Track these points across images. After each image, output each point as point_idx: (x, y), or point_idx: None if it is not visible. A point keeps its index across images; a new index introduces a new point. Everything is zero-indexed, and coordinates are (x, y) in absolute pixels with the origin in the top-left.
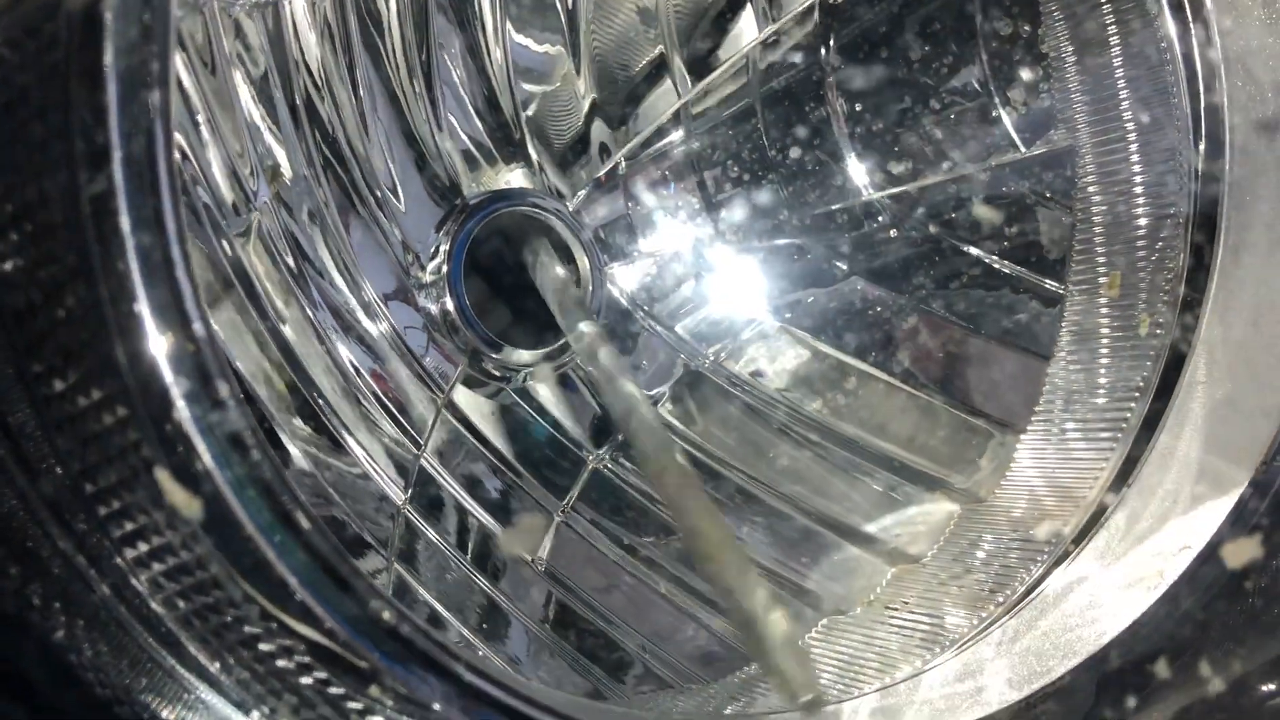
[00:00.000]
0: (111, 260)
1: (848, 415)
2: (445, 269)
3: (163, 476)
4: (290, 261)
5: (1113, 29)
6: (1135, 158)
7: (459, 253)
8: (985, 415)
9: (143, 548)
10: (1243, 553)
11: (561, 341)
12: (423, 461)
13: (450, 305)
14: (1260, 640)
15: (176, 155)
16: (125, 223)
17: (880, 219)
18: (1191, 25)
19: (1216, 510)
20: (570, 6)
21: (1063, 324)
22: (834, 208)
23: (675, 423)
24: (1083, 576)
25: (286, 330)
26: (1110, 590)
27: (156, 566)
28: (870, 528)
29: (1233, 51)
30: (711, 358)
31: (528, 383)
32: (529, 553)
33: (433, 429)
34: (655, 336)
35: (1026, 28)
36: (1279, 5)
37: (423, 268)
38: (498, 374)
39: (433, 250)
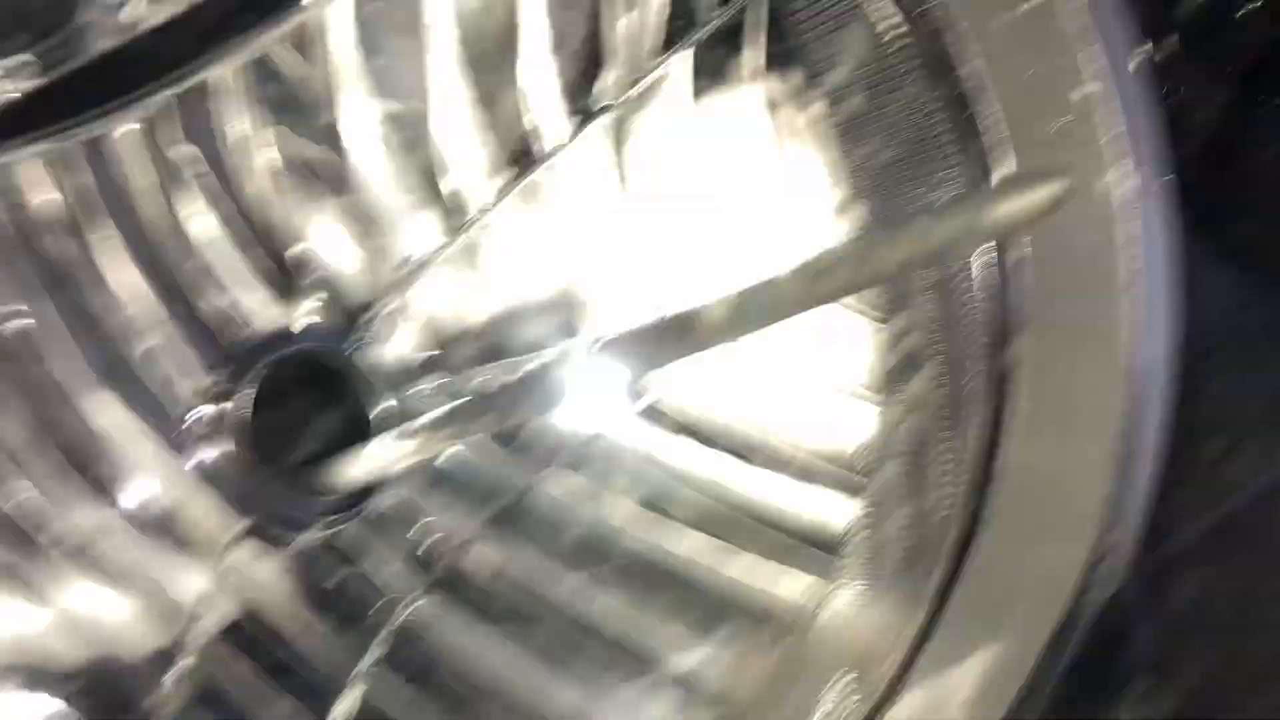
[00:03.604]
0: None
1: (676, 542)
2: (223, 418)
3: None
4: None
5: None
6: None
7: (237, 400)
8: (808, 543)
9: None
10: None
11: (360, 486)
12: (198, 641)
13: (228, 456)
14: None
15: None
16: None
17: None
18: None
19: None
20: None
21: (877, 445)
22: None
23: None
24: None
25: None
26: None
27: None
28: (691, 665)
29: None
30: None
31: (325, 531)
32: None
33: (209, 602)
34: (465, 463)
35: None
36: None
37: (198, 420)
38: (285, 529)
39: (208, 400)
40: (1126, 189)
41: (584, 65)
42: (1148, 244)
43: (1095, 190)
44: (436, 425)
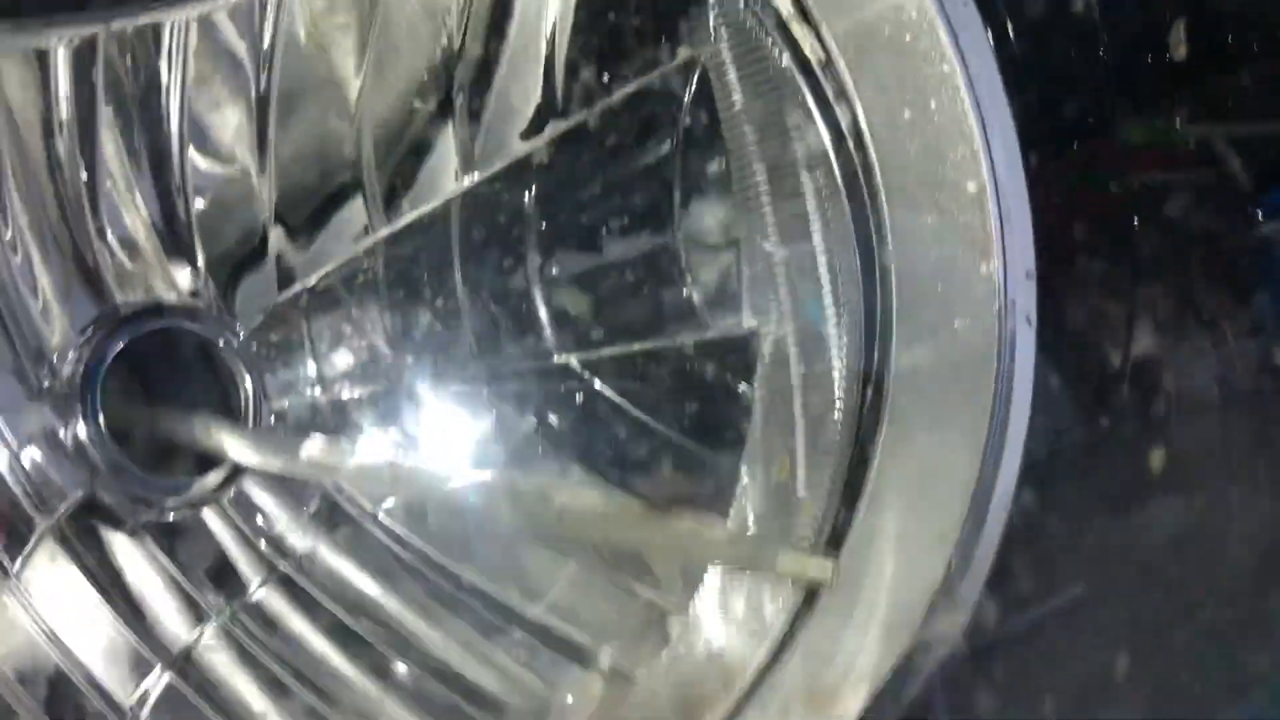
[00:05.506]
0: None
1: (503, 578)
2: (80, 382)
3: None
4: None
5: (803, 220)
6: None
7: (98, 366)
8: (646, 589)
9: None
10: None
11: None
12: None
13: (81, 424)
14: None
15: None
16: None
17: (569, 382)
18: (870, 219)
19: None
20: (262, 92)
21: (733, 506)
22: (523, 365)
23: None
24: None
25: None
26: None
27: None
28: (519, 704)
29: (903, 250)
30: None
31: (165, 518)
32: None
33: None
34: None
35: (720, 213)
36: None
37: (55, 376)
38: (123, 512)
39: (70, 359)
40: (997, 281)
41: None
42: (1013, 338)
43: (970, 282)
44: (353, 465)
